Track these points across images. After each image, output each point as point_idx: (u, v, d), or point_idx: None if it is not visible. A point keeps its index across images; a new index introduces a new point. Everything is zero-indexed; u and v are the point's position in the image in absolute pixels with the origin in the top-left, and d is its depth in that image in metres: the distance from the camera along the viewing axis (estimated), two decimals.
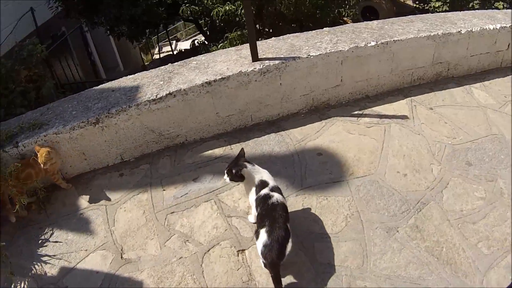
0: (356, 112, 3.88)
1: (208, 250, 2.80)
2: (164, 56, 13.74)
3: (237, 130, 3.76)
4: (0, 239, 2.93)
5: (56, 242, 2.99)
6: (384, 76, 4.01)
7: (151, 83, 3.54)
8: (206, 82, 3.40)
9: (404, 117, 3.76)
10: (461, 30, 4.02)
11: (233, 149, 3.54)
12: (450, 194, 3.02)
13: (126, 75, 3.81)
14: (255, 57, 3.59)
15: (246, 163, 2.69)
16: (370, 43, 3.76)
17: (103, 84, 3.67)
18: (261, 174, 2.68)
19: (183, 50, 11.27)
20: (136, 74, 3.73)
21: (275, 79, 3.61)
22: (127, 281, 2.71)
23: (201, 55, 3.88)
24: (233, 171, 2.66)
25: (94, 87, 3.68)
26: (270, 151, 3.50)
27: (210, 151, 3.57)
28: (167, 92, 3.33)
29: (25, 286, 2.75)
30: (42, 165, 3.03)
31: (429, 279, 2.52)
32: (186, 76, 3.54)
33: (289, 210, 2.96)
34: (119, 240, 2.94)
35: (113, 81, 3.66)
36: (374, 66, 3.92)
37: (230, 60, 3.69)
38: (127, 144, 3.48)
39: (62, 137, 3.24)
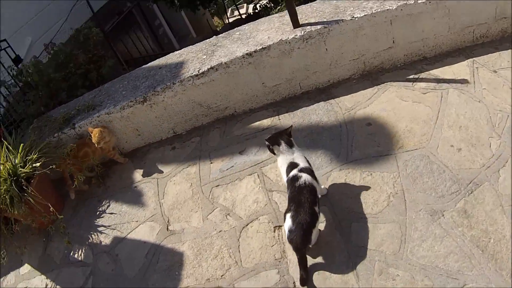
0: (411, 76, 3.48)
1: (247, 225, 2.79)
2: (233, 20, 13.59)
3: (286, 99, 3.61)
4: (61, 212, 3.21)
5: (112, 213, 3.19)
6: (442, 35, 3.53)
7: (195, 58, 3.50)
8: (247, 54, 3.28)
9: (464, 81, 3.31)
10: None
11: (281, 120, 3.42)
12: (508, 174, 2.59)
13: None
14: (296, 24, 3.37)
15: (282, 141, 2.58)
16: None
17: (152, 62, 3.70)
18: (293, 155, 2.56)
19: (251, 14, 11.08)
20: (182, 50, 3.71)
21: (319, 45, 3.37)
22: (169, 251, 2.83)
23: (245, 25, 3.73)
24: (266, 143, 2.63)
25: (143, 66, 3.74)
26: (318, 121, 3.32)
27: (258, 122, 3.48)
28: (209, 67, 3.28)
29: (82, 253, 2.99)
30: (96, 145, 3.22)
31: (468, 274, 2.21)
32: (228, 48, 3.45)
33: (331, 184, 2.86)
34: (166, 212, 3.05)
35: (160, 58, 3.69)
36: (429, 25, 3.46)
37: (272, 28, 3.50)
38: (177, 118, 3.53)
39: (114, 116, 3.38)
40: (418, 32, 3.50)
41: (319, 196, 2.59)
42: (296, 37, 3.29)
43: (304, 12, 3.58)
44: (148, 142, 3.63)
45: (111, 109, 3.34)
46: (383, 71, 3.63)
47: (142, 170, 3.43)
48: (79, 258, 2.98)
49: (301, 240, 2.30)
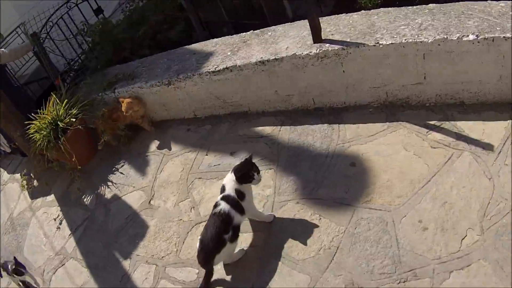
0: (432, 122, 3.08)
1: (200, 223, 3.17)
2: None
3: (298, 111, 3.62)
4: (90, 160, 4.16)
5: (122, 173, 3.91)
6: (489, 83, 2.96)
7: (222, 52, 3.70)
8: (259, 61, 3.36)
9: (488, 146, 2.80)
10: None
11: (281, 132, 3.50)
12: (459, 281, 2.27)
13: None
14: (316, 38, 3.24)
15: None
16: (467, 36, 2.80)
17: (194, 44, 4.03)
18: (227, 180, 2.82)
19: None
20: (219, 39, 3.93)
21: (335, 65, 3.22)
22: (141, 222, 3.45)
23: (280, 26, 3.69)
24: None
25: (186, 46, 4.08)
26: (311, 144, 3.31)
27: (261, 128, 3.63)
28: (225, 66, 3.48)
29: (89, 200, 3.84)
30: (124, 113, 3.87)
31: None
32: (252, 49, 3.55)
33: (281, 215, 3.01)
34: (155, 188, 3.62)
35: (200, 43, 4.00)
36: (474, 68, 2.94)
37: (297, 37, 3.42)
38: (197, 104, 3.90)
39: (145, 91, 3.94)
40: (459, 73, 3.01)
41: (239, 221, 2.77)
42: (311, 54, 3.21)
43: (337, 24, 3.40)
44: (173, 118, 4.13)
45: (143, 85, 3.89)
46: (406, 106, 3.28)
47: (158, 142, 4.00)
48: (86, 203, 3.85)
49: (202, 263, 2.73)
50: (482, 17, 2.96)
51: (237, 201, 2.74)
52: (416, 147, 2.99)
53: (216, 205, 2.75)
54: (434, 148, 2.94)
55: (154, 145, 4.04)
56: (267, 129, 3.61)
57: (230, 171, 2.81)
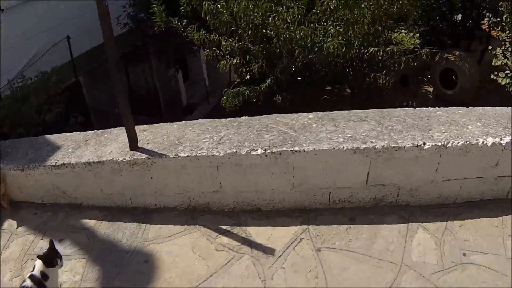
0: (224, 227, 3.58)
1: None
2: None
3: (119, 208, 4.13)
4: None
5: None
6: (282, 192, 3.47)
7: (66, 147, 4.16)
8: (87, 162, 3.84)
9: (270, 251, 3.30)
10: (424, 143, 3.09)
11: (101, 226, 4.00)
12: None
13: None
14: (132, 146, 3.74)
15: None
16: (256, 150, 3.29)
17: (51, 136, 4.50)
18: (37, 261, 3.23)
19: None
20: (70, 133, 4.44)
21: (144, 172, 3.70)
22: None
23: (117, 129, 4.20)
24: None
25: (46, 136, 4.55)
26: (119, 240, 3.79)
27: (86, 220, 4.12)
28: (62, 162, 3.94)
29: None
30: None
31: None
32: (86, 149, 4.03)
33: None
34: None
35: (55, 135, 4.47)
36: (265, 178, 3.45)
37: (122, 142, 3.91)
38: (43, 191, 4.32)
39: (5, 172, 4.30)
40: (251, 183, 3.50)
41: None
42: (124, 160, 3.70)
43: (157, 133, 3.93)
44: (27, 200, 4.52)
45: (4, 166, 4.27)
46: (207, 211, 3.79)
47: (11, 221, 4.41)
48: None
49: None
50: (282, 130, 3.46)
51: (40, 280, 3.17)
52: (202, 250, 3.46)
53: (23, 281, 3.19)
54: (219, 251, 3.41)
55: (7, 223, 4.43)
56: (91, 222, 4.09)
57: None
